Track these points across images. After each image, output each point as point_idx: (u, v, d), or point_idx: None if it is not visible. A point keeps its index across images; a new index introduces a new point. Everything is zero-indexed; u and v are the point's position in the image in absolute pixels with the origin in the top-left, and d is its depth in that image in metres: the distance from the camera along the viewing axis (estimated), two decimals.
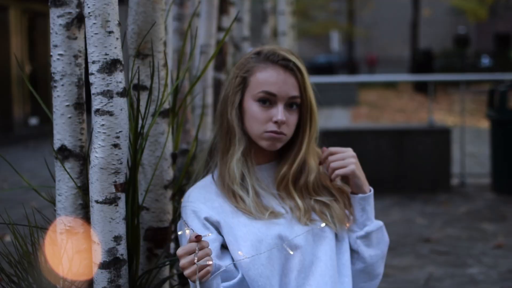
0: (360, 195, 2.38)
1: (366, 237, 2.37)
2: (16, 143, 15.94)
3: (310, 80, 2.41)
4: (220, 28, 5.05)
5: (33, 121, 18.49)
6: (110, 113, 2.11)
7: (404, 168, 9.01)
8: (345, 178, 2.42)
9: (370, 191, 2.41)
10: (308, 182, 2.40)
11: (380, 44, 37.90)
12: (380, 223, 2.40)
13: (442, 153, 9.17)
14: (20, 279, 2.23)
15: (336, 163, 2.37)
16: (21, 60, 18.02)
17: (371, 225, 2.38)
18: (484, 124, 14.76)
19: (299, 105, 2.37)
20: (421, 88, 24.97)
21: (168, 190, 2.57)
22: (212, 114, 4.25)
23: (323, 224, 2.33)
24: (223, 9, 5.18)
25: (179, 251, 2.00)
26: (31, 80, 18.67)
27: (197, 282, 1.97)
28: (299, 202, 2.36)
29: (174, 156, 2.59)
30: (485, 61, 30.44)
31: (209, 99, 4.36)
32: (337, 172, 2.36)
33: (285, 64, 2.33)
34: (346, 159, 2.37)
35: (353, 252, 2.39)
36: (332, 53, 36.81)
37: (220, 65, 4.82)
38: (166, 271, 2.58)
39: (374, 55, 36.17)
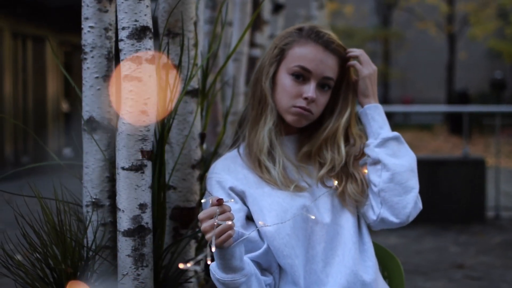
0: (367, 105, 2.39)
1: (383, 145, 2.33)
2: (51, 172, 16.03)
3: None
4: (252, 44, 5.07)
5: (67, 152, 18.62)
6: (139, 79, 2.11)
7: (438, 198, 8.91)
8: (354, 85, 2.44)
9: None
10: (335, 166, 2.38)
11: (416, 86, 37.79)
12: (396, 133, 2.36)
13: (477, 184, 9.05)
14: (44, 247, 2.22)
15: (364, 57, 2.41)
16: (56, 96, 18.12)
17: (385, 132, 2.36)
18: None
19: (331, 88, 2.37)
20: (456, 130, 24.77)
21: (196, 170, 2.55)
22: None
23: (335, 182, 2.32)
24: (256, 26, 5.20)
25: (200, 215, 1.97)
26: (66, 116, 18.74)
27: (213, 241, 1.92)
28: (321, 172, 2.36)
29: (202, 136, 2.58)
30: None
31: (240, 107, 4.36)
32: (354, 64, 2.40)
33: (326, 44, 2.33)
34: (371, 65, 2.41)
35: (377, 163, 2.33)
36: None
37: None
38: (191, 252, 2.56)
39: (410, 96, 36.07)
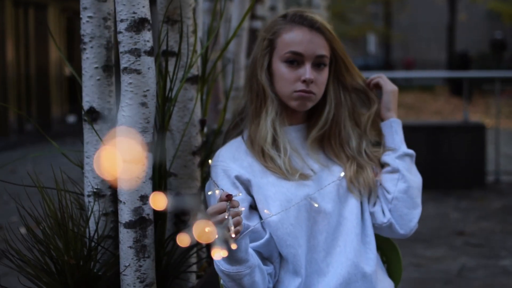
0: (393, 119, 2.48)
1: (402, 158, 2.40)
2: (54, 139, 16.03)
3: None
4: (253, 16, 5.04)
5: (71, 119, 18.60)
6: (138, 72, 2.11)
7: (439, 164, 8.93)
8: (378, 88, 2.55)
9: None
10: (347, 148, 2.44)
11: (417, 47, 37.68)
12: (412, 151, 2.44)
13: (477, 150, 9.06)
14: (47, 238, 2.23)
15: (385, 78, 2.55)
16: (59, 61, 18.06)
17: (405, 148, 2.44)
18: None
19: (328, 65, 2.39)
20: (457, 91, 24.77)
21: (196, 157, 2.56)
22: None
23: (342, 174, 2.35)
24: None
25: (209, 210, 1.95)
26: (69, 81, 18.68)
27: (231, 225, 1.89)
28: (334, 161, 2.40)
29: (202, 123, 2.58)
30: None
31: (241, 82, 4.36)
32: (378, 80, 2.53)
33: (311, 24, 2.35)
34: (392, 84, 2.52)
35: (394, 173, 2.39)
36: (369, 55, 36.61)
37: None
38: (193, 239, 2.57)
39: (411, 58, 35.98)
